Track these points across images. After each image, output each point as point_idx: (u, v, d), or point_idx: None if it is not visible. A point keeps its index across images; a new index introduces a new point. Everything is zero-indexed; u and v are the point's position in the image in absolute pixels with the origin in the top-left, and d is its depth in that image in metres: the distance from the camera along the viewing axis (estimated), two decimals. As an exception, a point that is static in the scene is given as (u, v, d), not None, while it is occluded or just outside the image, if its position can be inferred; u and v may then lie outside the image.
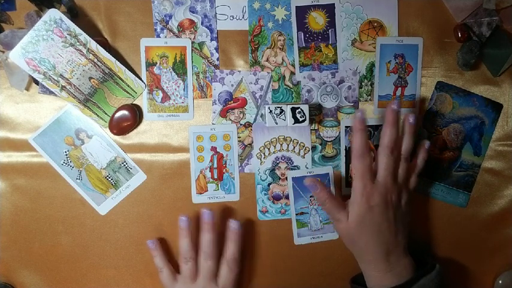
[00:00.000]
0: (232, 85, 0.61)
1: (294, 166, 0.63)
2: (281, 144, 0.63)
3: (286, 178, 0.63)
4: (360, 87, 0.63)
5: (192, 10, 0.60)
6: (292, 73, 0.62)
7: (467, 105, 0.63)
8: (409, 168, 0.58)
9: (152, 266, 0.59)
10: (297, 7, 0.61)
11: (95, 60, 0.57)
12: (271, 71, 0.62)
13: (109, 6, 0.59)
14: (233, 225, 0.58)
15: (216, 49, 0.61)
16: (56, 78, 0.56)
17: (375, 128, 0.63)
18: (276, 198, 0.63)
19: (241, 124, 0.62)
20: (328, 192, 0.58)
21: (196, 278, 0.58)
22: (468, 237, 0.65)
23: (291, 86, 0.62)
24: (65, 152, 0.60)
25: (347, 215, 0.56)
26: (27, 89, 0.59)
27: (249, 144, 0.62)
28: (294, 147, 0.63)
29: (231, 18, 0.61)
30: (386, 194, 0.55)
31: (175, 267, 0.60)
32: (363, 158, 0.55)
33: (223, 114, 0.62)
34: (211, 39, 0.61)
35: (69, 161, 0.60)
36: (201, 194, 0.62)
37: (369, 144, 0.56)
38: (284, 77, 0.62)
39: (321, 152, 0.63)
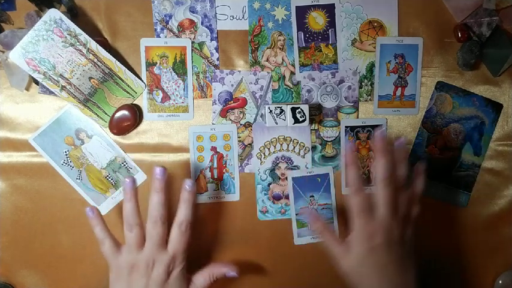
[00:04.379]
0: (232, 85, 0.61)
1: (294, 166, 0.63)
2: (281, 144, 0.63)
3: (286, 178, 0.63)
4: (360, 87, 0.63)
5: (192, 10, 0.60)
6: (292, 73, 0.62)
7: (467, 105, 0.63)
8: (408, 197, 0.54)
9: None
10: (297, 7, 0.61)
11: (95, 60, 0.57)
12: (271, 71, 0.62)
13: (109, 6, 0.59)
14: (186, 183, 0.53)
15: (216, 49, 0.61)
16: (56, 78, 0.57)
17: (374, 128, 0.63)
18: (276, 198, 0.63)
19: (241, 124, 0.62)
20: (324, 224, 0.55)
21: (143, 246, 0.53)
22: (468, 237, 0.65)
23: (291, 86, 0.62)
24: (65, 152, 0.60)
25: (347, 250, 0.52)
26: (27, 89, 0.59)
27: (249, 144, 0.62)
28: (294, 147, 0.63)
29: (231, 18, 0.61)
30: (389, 230, 0.51)
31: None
32: (360, 191, 0.52)
33: (223, 114, 0.62)
34: (211, 39, 0.61)
35: (69, 161, 0.60)
36: (201, 194, 0.62)
37: (362, 178, 0.53)
38: (284, 77, 0.62)
39: (321, 152, 0.63)
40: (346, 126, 0.63)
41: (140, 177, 0.61)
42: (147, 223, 0.53)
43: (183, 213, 0.53)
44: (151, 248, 0.52)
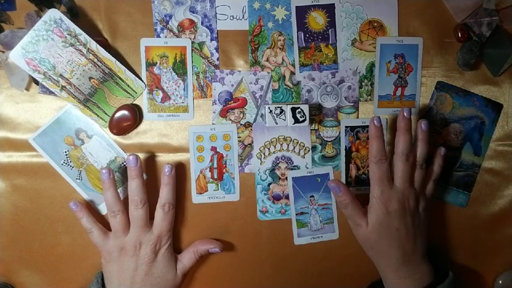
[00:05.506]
0: (232, 85, 0.61)
1: (294, 166, 0.63)
2: (281, 144, 0.63)
3: (286, 178, 0.63)
4: (360, 87, 0.63)
5: (192, 10, 0.60)
6: (292, 73, 0.62)
7: (467, 105, 0.63)
8: (425, 175, 0.58)
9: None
10: (297, 7, 0.61)
11: (95, 60, 0.57)
12: (271, 71, 0.62)
13: (109, 6, 0.59)
14: (165, 168, 0.57)
15: (216, 49, 0.61)
16: (56, 78, 0.56)
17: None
18: (276, 198, 0.63)
19: (241, 124, 0.62)
20: (352, 196, 0.57)
21: (129, 230, 0.56)
22: (468, 237, 0.65)
23: (291, 86, 0.62)
24: (65, 152, 0.60)
25: (367, 220, 0.56)
26: (27, 89, 0.59)
27: (249, 144, 0.62)
28: (294, 147, 0.63)
29: (231, 18, 0.61)
30: (404, 200, 0.55)
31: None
32: (381, 163, 0.55)
33: (223, 114, 0.62)
34: (211, 39, 0.61)
35: (69, 161, 0.60)
36: (201, 194, 0.62)
37: (385, 151, 0.56)
38: (284, 77, 0.62)
39: (321, 152, 0.63)
40: (346, 126, 0.63)
41: (140, 177, 0.61)
42: (129, 208, 0.56)
43: (164, 195, 0.57)
44: (136, 230, 0.56)
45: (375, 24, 0.62)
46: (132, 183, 0.56)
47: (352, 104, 0.63)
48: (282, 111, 0.58)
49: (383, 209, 0.55)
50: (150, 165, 0.61)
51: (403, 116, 0.56)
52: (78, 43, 0.56)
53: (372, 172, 0.56)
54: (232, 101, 0.62)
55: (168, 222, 0.57)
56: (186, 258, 0.59)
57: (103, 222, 0.59)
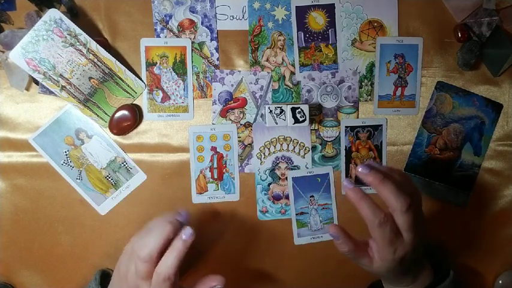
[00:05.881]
0: (232, 85, 0.61)
1: (294, 166, 0.63)
2: (281, 144, 0.63)
3: (286, 178, 0.63)
4: (360, 87, 0.63)
5: (192, 10, 0.60)
6: (292, 73, 0.62)
7: (467, 105, 0.63)
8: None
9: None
10: (297, 7, 0.61)
11: (95, 60, 0.57)
12: (271, 71, 0.62)
13: (109, 6, 0.59)
14: (184, 232, 0.46)
15: (216, 49, 0.61)
16: (56, 78, 0.56)
17: (374, 128, 0.63)
18: (276, 198, 0.63)
19: (241, 124, 0.62)
20: (353, 243, 0.51)
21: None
22: (468, 237, 0.65)
23: (291, 86, 0.62)
24: (65, 152, 0.60)
25: (371, 260, 0.51)
26: (27, 89, 0.59)
27: (249, 144, 0.62)
28: (294, 147, 0.63)
29: (231, 18, 0.61)
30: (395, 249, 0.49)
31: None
32: (384, 223, 0.48)
33: (223, 114, 0.62)
34: (211, 39, 0.61)
35: (69, 161, 0.60)
36: (201, 194, 0.62)
37: (377, 207, 0.49)
38: (284, 77, 0.62)
39: (321, 152, 0.63)
40: (346, 126, 0.63)
41: (140, 177, 0.61)
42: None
43: (165, 263, 0.45)
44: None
45: (375, 24, 0.62)
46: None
47: (352, 104, 0.63)
48: (282, 111, 0.58)
49: (393, 260, 0.49)
50: (150, 165, 0.61)
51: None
52: (78, 43, 0.56)
53: (377, 236, 0.48)
54: (232, 101, 0.62)
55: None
56: None
57: (104, 221, 0.60)
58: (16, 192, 0.60)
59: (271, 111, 0.58)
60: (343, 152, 0.63)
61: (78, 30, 0.55)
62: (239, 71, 0.61)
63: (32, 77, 0.56)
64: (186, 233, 0.46)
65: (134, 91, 0.60)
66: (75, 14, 0.58)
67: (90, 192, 0.61)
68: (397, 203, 0.47)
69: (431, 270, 0.55)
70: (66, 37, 0.55)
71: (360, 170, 0.49)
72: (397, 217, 0.48)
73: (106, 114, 0.59)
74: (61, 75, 0.57)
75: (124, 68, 0.58)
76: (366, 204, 0.48)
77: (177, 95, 0.61)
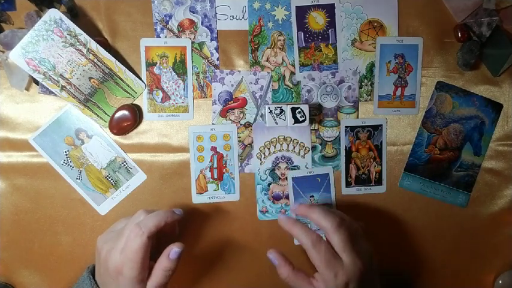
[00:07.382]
0: (232, 85, 0.61)
1: (294, 166, 0.63)
2: (281, 144, 0.63)
3: (286, 178, 0.63)
4: (360, 87, 0.63)
5: (192, 10, 0.60)
6: (292, 73, 0.62)
7: (467, 105, 0.63)
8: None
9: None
10: (297, 7, 0.61)
11: (95, 60, 0.57)
12: (271, 71, 0.62)
13: (109, 6, 0.59)
14: (172, 251, 0.49)
15: (216, 49, 0.61)
16: (56, 78, 0.57)
17: (374, 128, 0.63)
18: (276, 198, 0.63)
19: (241, 124, 0.62)
20: (290, 268, 0.52)
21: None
22: (468, 237, 0.65)
23: (291, 86, 0.62)
24: (65, 152, 0.60)
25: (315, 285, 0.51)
26: (27, 89, 0.59)
27: (249, 144, 0.62)
28: (294, 147, 0.63)
29: (231, 18, 0.61)
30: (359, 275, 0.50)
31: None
32: (319, 243, 0.50)
33: (223, 114, 0.62)
34: (211, 39, 0.61)
35: (69, 161, 0.60)
36: (201, 194, 0.62)
37: (310, 229, 0.52)
38: (284, 77, 0.62)
39: (321, 152, 0.63)
40: (346, 126, 0.63)
41: (140, 177, 0.61)
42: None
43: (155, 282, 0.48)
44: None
45: (375, 24, 0.62)
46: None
47: (352, 104, 0.63)
48: (282, 111, 0.58)
49: (336, 286, 0.49)
50: (150, 165, 0.61)
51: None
52: (78, 43, 0.56)
53: (313, 256, 0.50)
54: (232, 101, 0.62)
55: None
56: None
57: (104, 221, 0.59)
58: (16, 192, 0.60)
59: (271, 111, 0.58)
60: (343, 152, 0.63)
61: (78, 30, 0.55)
62: (239, 71, 0.61)
63: (32, 77, 0.56)
64: (173, 251, 0.49)
65: (134, 91, 0.60)
66: (75, 14, 0.58)
67: (90, 192, 0.61)
68: (326, 222, 0.51)
69: None
70: (66, 37, 0.55)
71: (291, 207, 0.58)
72: (331, 237, 0.51)
73: (106, 114, 0.59)
74: (61, 75, 0.57)
75: (124, 68, 0.58)
76: (298, 228, 0.53)
77: (177, 95, 0.61)
